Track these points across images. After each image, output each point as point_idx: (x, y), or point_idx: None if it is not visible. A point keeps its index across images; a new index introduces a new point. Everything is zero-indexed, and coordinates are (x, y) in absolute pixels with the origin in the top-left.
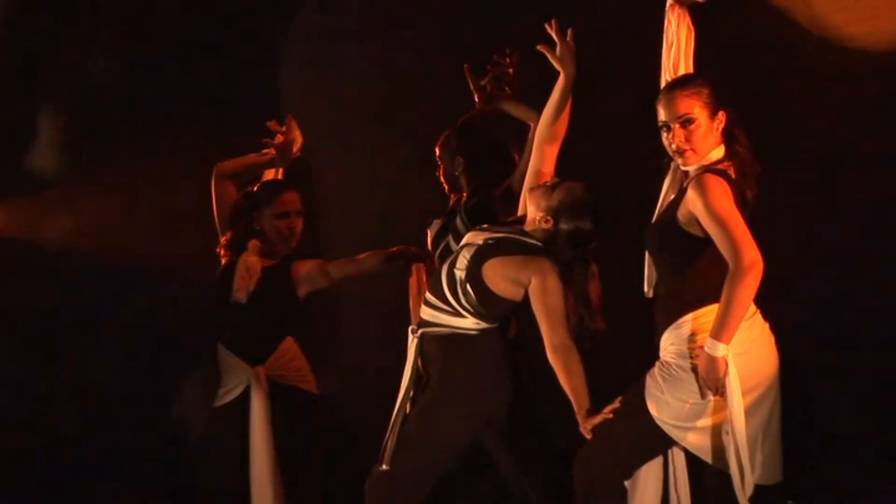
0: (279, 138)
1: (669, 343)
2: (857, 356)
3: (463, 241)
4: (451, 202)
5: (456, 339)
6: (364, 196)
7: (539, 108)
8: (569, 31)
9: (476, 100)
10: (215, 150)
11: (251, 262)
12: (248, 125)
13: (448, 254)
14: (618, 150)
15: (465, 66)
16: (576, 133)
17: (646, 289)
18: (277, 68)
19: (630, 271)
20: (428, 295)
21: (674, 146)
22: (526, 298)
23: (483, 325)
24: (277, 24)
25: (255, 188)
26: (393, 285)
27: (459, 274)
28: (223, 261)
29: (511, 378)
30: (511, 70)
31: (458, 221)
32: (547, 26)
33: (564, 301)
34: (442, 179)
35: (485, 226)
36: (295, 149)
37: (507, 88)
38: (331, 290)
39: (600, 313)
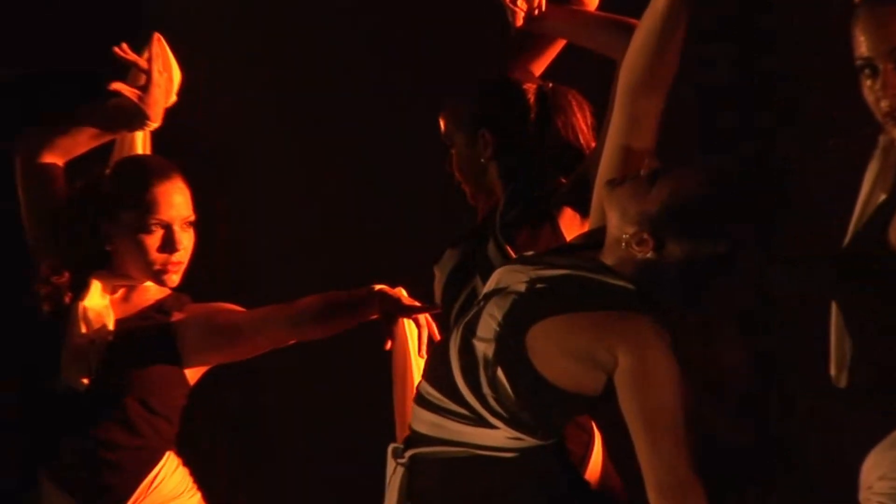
0: (138, 77)
1: (878, 474)
2: None
3: (489, 286)
4: (480, 216)
5: (477, 467)
6: (314, 199)
7: (628, 25)
8: None
9: (510, 21)
10: None
11: (96, 311)
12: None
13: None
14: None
15: None
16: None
17: (833, 371)
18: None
19: (802, 338)
20: (425, 385)
21: (883, 104)
22: (610, 390)
23: (527, 440)
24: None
25: (105, 174)
26: (363, 356)
27: (483, 349)
28: (44, 308)
29: None
30: None
31: (491, 248)
32: None
33: (682, 396)
34: (457, 173)
35: (529, 254)
36: (172, 93)
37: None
38: (252, 362)
39: (746, 412)
